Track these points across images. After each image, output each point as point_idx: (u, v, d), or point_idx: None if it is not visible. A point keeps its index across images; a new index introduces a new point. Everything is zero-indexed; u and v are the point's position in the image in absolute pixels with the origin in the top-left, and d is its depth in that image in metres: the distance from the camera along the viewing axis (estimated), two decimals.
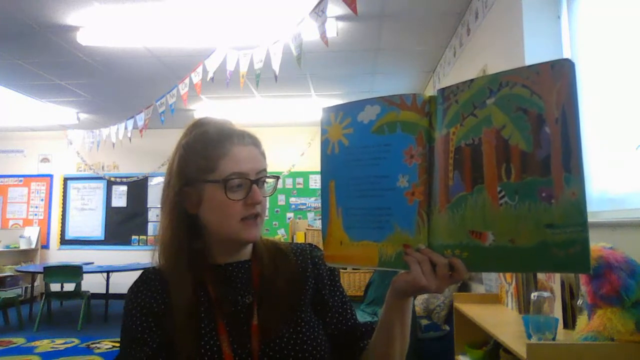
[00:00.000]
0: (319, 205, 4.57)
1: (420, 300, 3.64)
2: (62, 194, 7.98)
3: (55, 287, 5.97)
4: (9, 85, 5.38)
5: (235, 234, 0.89)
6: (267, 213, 0.99)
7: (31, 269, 6.20)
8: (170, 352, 0.84)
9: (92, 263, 6.91)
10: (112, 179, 7.90)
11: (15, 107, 6.27)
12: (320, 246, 0.88)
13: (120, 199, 7.88)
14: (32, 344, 4.82)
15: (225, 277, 0.92)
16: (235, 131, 0.92)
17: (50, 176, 8.02)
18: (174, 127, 4.19)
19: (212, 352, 0.84)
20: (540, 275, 1.85)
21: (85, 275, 5.67)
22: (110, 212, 7.86)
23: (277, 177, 0.97)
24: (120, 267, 6.22)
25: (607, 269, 1.33)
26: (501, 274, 2.28)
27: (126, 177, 7.86)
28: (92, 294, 5.97)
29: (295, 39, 3.07)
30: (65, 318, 6.09)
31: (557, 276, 1.71)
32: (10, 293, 6.14)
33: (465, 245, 0.68)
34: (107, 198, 7.91)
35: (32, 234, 7.63)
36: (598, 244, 1.41)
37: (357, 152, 0.76)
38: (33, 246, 7.56)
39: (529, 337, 1.50)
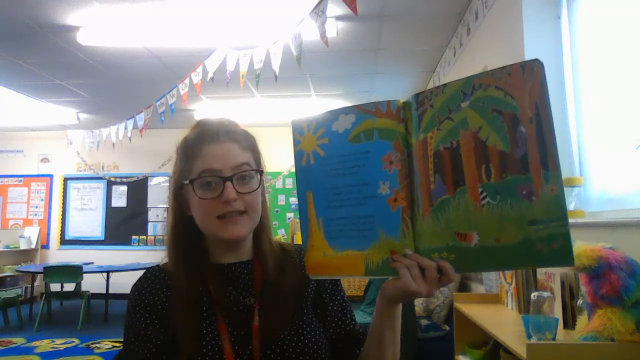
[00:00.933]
0: None
1: (420, 301, 3.65)
2: (62, 194, 7.98)
3: (55, 287, 5.96)
4: (9, 85, 5.38)
5: (214, 232, 0.89)
6: (268, 210, 0.96)
7: (31, 269, 6.20)
8: (172, 350, 0.85)
9: (92, 263, 6.91)
10: (112, 179, 7.90)
11: (15, 107, 6.27)
12: None
13: (120, 199, 7.88)
14: (32, 344, 4.82)
15: (227, 277, 0.93)
16: (209, 130, 0.92)
17: (50, 176, 8.03)
18: (174, 127, 4.21)
19: (213, 352, 0.84)
20: (540, 275, 1.85)
21: (85, 275, 5.68)
22: (110, 212, 7.86)
23: (261, 171, 0.92)
24: (120, 267, 6.23)
25: (607, 269, 1.33)
26: (501, 274, 2.28)
27: (126, 177, 7.86)
28: (92, 294, 5.97)
29: (295, 39, 3.07)
30: (65, 318, 6.09)
31: (557, 276, 1.71)
32: (10, 293, 6.13)
33: (452, 248, 0.68)
34: (107, 198, 7.91)
35: (32, 234, 7.64)
36: (598, 244, 1.41)
37: (334, 161, 0.75)
38: (33, 246, 7.57)
39: (529, 337, 1.50)
